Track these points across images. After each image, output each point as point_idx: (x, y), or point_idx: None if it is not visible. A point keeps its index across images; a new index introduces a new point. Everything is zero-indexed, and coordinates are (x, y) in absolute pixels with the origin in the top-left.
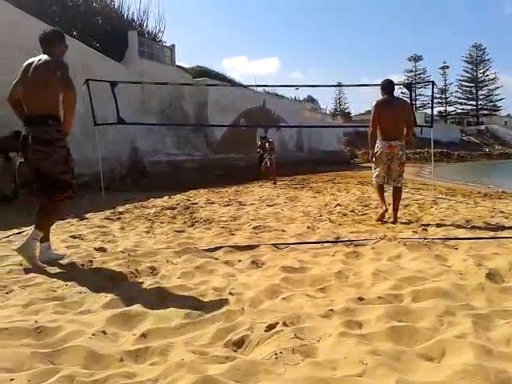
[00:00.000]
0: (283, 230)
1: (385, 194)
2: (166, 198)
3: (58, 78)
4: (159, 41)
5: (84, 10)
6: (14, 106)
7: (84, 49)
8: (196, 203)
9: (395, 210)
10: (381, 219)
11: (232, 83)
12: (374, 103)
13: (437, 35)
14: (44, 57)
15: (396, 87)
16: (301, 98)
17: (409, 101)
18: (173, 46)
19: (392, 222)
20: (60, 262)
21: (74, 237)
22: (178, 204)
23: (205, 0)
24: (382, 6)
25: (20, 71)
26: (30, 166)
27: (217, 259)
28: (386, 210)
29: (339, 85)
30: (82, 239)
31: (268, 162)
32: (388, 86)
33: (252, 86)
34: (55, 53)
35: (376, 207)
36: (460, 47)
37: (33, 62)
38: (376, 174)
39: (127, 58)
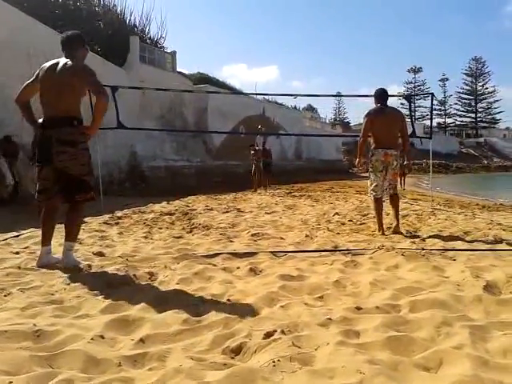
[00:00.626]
0: (281, 238)
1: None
2: (164, 203)
3: (89, 83)
4: (161, 47)
5: (86, 14)
6: (23, 107)
7: None
8: (195, 209)
9: (397, 219)
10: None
11: (232, 90)
12: (366, 112)
13: (436, 47)
14: (69, 61)
15: (395, 98)
16: (301, 107)
17: (408, 112)
18: (174, 52)
19: (394, 233)
20: (58, 265)
21: None
22: (176, 210)
23: (206, 7)
24: (382, 17)
25: (38, 73)
26: (53, 167)
27: (215, 266)
28: (383, 234)
29: (338, 95)
30: (80, 243)
31: (253, 169)
32: (381, 95)
33: (252, 93)
34: (77, 56)
35: (375, 217)
36: (459, 60)
37: (56, 65)
38: (374, 184)
39: (128, 63)
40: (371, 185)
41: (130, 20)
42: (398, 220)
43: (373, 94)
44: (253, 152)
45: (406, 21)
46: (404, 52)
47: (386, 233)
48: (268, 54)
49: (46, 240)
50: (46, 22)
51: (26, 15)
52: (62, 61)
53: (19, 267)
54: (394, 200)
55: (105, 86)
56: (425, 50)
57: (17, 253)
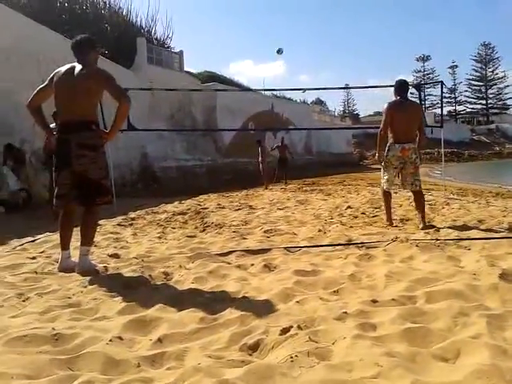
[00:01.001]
0: (294, 234)
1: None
2: (176, 203)
3: (109, 87)
4: (167, 47)
5: (93, 18)
6: (35, 112)
7: None
8: (207, 208)
9: (423, 217)
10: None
11: (240, 87)
12: (387, 105)
13: (445, 34)
14: (86, 67)
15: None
16: (309, 101)
17: (418, 101)
18: (181, 51)
19: (423, 228)
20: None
21: None
22: (188, 209)
23: (210, 4)
24: (387, 7)
25: (52, 78)
26: (71, 171)
27: (229, 263)
28: (391, 224)
29: (347, 87)
30: (95, 246)
31: (261, 167)
32: (401, 87)
33: (260, 89)
34: (88, 60)
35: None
36: (468, 46)
37: (71, 69)
38: (386, 177)
39: (136, 64)
40: (383, 178)
41: (136, 22)
42: (423, 222)
43: (381, 85)
44: (260, 148)
45: (412, 9)
46: (411, 41)
47: (399, 224)
48: (274, 50)
49: (65, 244)
50: (52, 26)
51: (33, 21)
52: (78, 66)
53: (36, 272)
54: (418, 198)
55: None
56: (433, 38)
57: (33, 258)
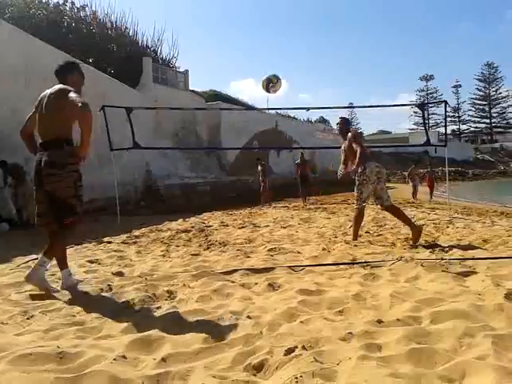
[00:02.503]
0: (298, 252)
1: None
2: (180, 220)
3: (71, 100)
4: (173, 66)
5: (99, 38)
6: (26, 139)
7: (100, 76)
8: (210, 226)
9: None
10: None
11: (244, 106)
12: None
13: (446, 55)
14: (58, 86)
15: (408, 107)
16: (313, 119)
17: (421, 120)
18: (186, 71)
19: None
20: (80, 286)
21: (91, 261)
22: (192, 227)
23: (210, 24)
24: (388, 27)
25: (35, 104)
26: (44, 190)
27: (233, 282)
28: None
29: (350, 106)
30: (99, 264)
31: (261, 186)
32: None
33: (264, 108)
34: (68, 83)
35: (392, 228)
36: (471, 66)
37: (49, 91)
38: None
39: (142, 83)
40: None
41: (142, 42)
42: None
43: (382, 104)
44: (260, 167)
45: (413, 30)
46: (412, 61)
47: (403, 244)
48: (276, 68)
49: (61, 263)
50: (59, 46)
51: (40, 41)
52: (54, 87)
53: (40, 289)
54: (397, 211)
55: (120, 107)
56: (435, 58)
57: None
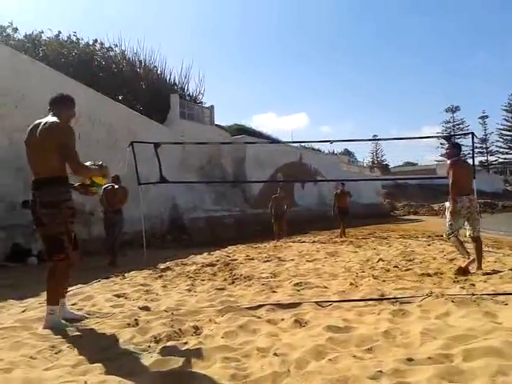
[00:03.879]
0: (325, 287)
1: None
2: (205, 254)
3: (66, 155)
4: (199, 102)
5: (129, 76)
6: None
7: (129, 112)
8: (235, 259)
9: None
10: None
11: (269, 139)
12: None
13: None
14: (49, 119)
15: (434, 139)
16: (336, 151)
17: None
18: (212, 106)
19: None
20: (108, 321)
21: (118, 296)
22: (217, 260)
23: (230, 58)
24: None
25: (25, 137)
26: (40, 228)
27: (259, 318)
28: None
29: (375, 139)
30: (125, 298)
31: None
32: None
33: (288, 142)
34: (61, 114)
35: (421, 262)
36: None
37: (38, 125)
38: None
39: (169, 119)
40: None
41: (169, 79)
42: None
43: (407, 136)
44: (275, 196)
45: (434, 61)
46: (434, 93)
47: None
48: (296, 101)
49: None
50: (90, 85)
51: (73, 80)
52: (44, 120)
53: (67, 324)
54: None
55: (148, 142)
56: (458, 89)
57: None
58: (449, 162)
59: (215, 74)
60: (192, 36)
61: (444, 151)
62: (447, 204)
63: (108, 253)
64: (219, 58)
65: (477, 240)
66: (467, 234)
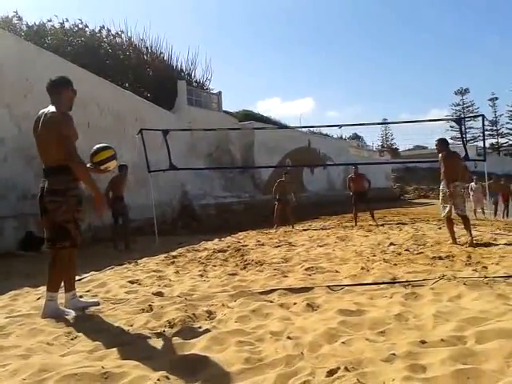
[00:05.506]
0: (336, 271)
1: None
2: (216, 240)
3: (61, 139)
4: (206, 88)
5: (135, 63)
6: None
7: (136, 100)
8: (246, 245)
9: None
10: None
11: (277, 125)
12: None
13: (480, 67)
14: (48, 111)
15: (443, 122)
16: (345, 136)
17: (459, 135)
18: (219, 92)
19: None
20: (122, 307)
21: (131, 282)
22: (228, 246)
23: (235, 45)
24: (418, 41)
25: (33, 126)
26: (47, 216)
27: (272, 302)
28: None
29: (384, 122)
30: (139, 284)
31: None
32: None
33: (296, 127)
34: (60, 100)
35: (432, 245)
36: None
37: (41, 116)
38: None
39: (177, 106)
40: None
41: (176, 66)
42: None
43: (414, 119)
44: (280, 181)
45: (444, 43)
46: (441, 76)
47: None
48: (302, 86)
49: (67, 286)
50: (97, 72)
51: (79, 68)
52: (45, 110)
53: (83, 310)
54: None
55: (156, 130)
56: (466, 71)
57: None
58: (440, 155)
59: (219, 59)
60: (196, 21)
61: (435, 146)
62: (442, 188)
63: (120, 239)
64: (222, 44)
65: (464, 217)
66: (453, 212)
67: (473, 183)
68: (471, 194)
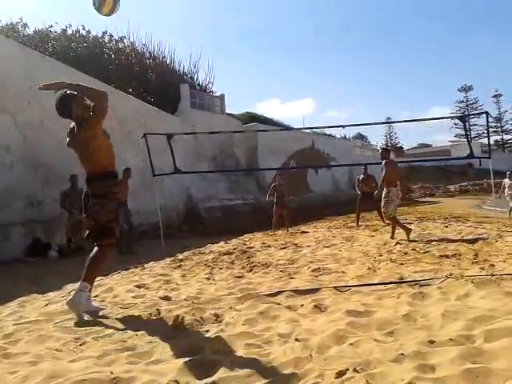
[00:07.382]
0: (343, 272)
1: None
2: (222, 243)
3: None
4: (209, 91)
5: (138, 68)
6: None
7: (140, 104)
8: (252, 247)
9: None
10: None
11: (280, 126)
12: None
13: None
14: (76, 128)
15: (448, 120)
16: (348, 136)
17: (463, 132)
18: (222, 95)
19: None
20: (130, 311)
21: (138, 286)
22: (234, 249)
23: (233, 46)
24: (417, 40)
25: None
26: (90, 217)
27: (279, 304)
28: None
29: (388, 122)
30: (146, 288)
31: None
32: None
33: (299, 128)
34: (77, 112)
35: (438, 244)
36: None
37: (73, 130)
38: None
39: (180, 109)
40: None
41: (179, 69)
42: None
43: (415, 117)
44: (274, 184)
45: (445, 43)
46: (442, 73)
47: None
48: (300, 86)
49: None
50: (100, 78)
51: (82, 73)
52: (73, 126)
53: (91, 316)
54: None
55: (160, 134)
56: (467, 69)
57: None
58: (383, 162)
59: (219, 62)
60: (197, 21)
61: (379, 153)
62: (384, 192)
63: (123, 244)
64: (220, 47)
65: (392, 219)
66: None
67: (506, 179)
68: (506, 191)
